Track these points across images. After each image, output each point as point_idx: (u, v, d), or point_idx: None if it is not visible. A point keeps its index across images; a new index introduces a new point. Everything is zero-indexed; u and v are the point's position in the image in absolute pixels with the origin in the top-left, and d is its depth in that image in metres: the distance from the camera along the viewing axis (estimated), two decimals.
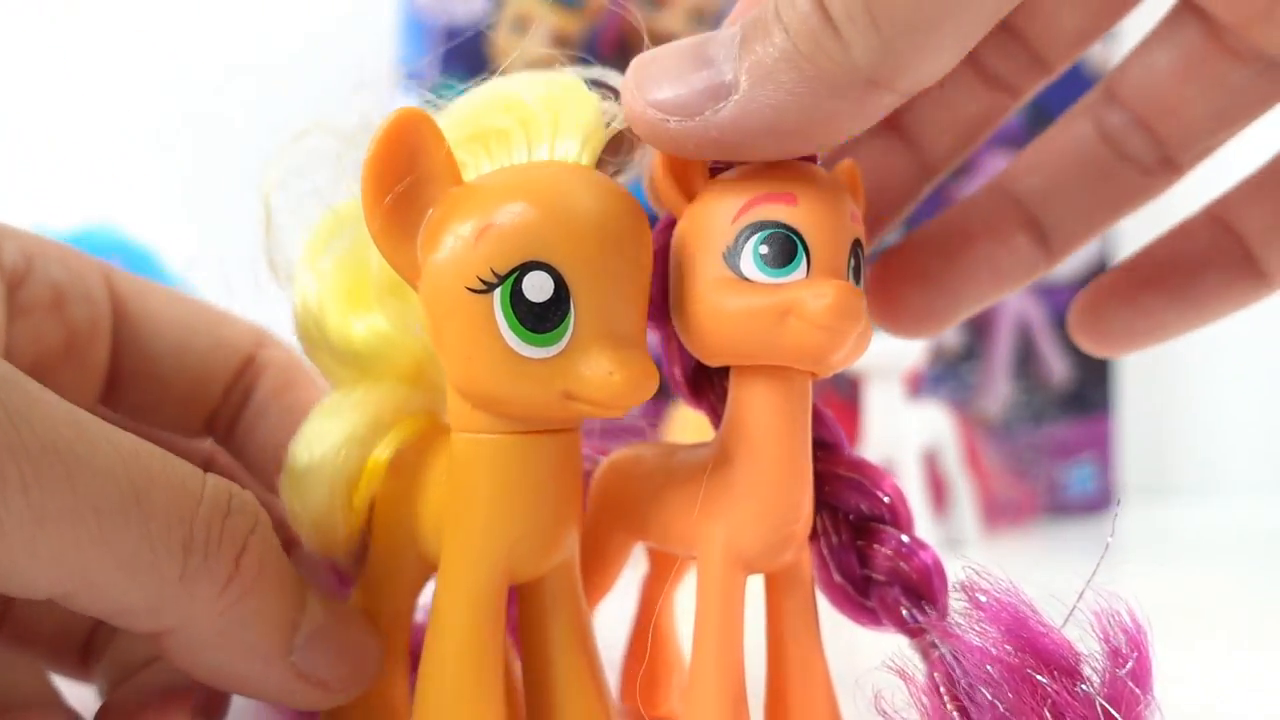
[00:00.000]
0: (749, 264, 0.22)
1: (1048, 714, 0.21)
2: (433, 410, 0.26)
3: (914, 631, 0.24)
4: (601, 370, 0.21)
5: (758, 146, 0.21)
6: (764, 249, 0.22)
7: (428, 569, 0.25)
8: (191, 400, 0.30)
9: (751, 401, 0.23)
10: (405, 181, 0.21)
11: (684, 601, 0.30)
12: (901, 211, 0.29)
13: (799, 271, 0.22)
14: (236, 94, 0.71)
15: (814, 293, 0.21)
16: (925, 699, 0.23)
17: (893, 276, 0.29)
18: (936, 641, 0.23)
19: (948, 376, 0.69)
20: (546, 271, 0.21)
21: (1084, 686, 0.22)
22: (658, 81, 0.21)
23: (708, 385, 0.26)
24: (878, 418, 0.57)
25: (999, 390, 0.70)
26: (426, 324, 0.22)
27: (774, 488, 0.23)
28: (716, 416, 0.25)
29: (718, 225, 0.22)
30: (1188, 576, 0.51)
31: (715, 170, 0.23)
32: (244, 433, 0.30)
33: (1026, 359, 0.70)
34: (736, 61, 0.20)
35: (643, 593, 0.30)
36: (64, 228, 0.54)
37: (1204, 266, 0.27)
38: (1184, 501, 0.75)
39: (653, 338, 0.25)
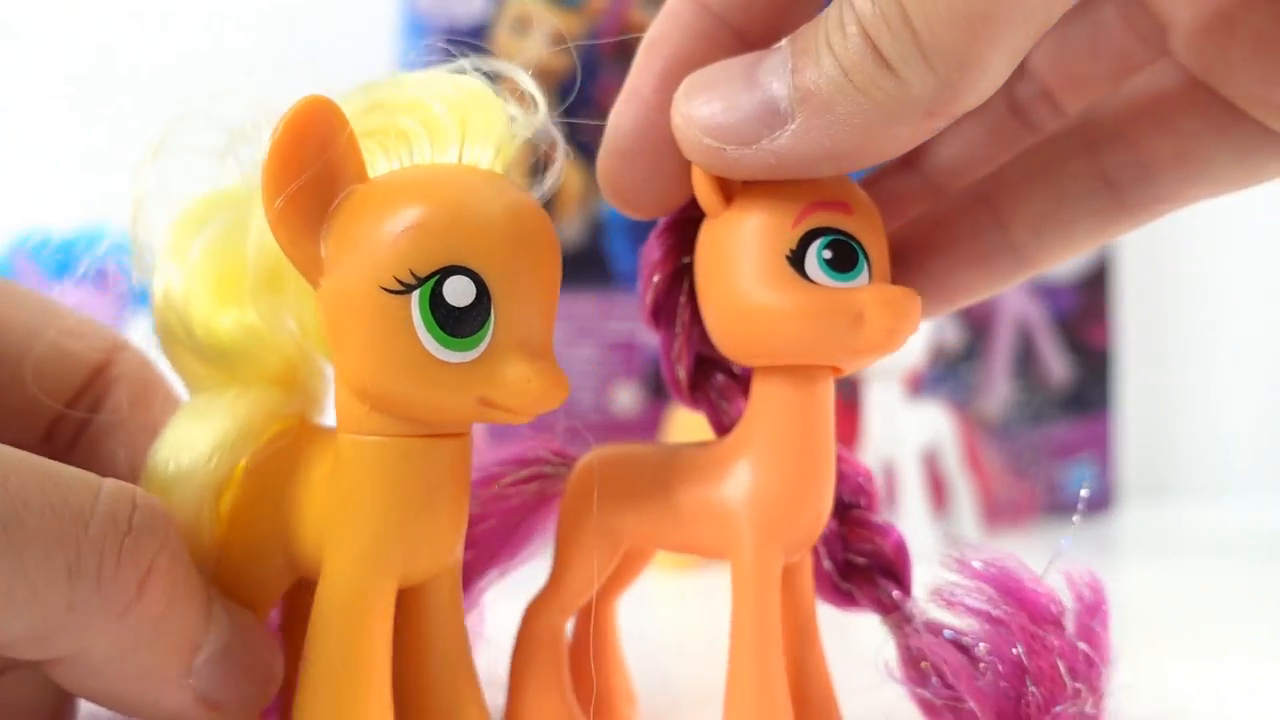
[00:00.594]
0: (814, 267, 0.23)
1: (1059, 663, 0.23)
2: (304, 414, 0.25)
3: (889, 608, 0.25)
4: (520, 377, 0.21)
5: (813, 169, 0.22)
6: (828, 253, 0.23)
7: (291, 575, 0.24)
8: (26, 412, 0.26)
9: (783, 400, 0.24)
10: (310, 172, 0.21)
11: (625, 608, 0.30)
12: (898, 220, 0.29)
13: (863, 276, 0.23)
14: (236, 93, 0.71)
15: (887, 298, 0.23)
16: (904, 670, 0.25)
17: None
18: (916, 613, 0.25)
19: (948, 376, 0.69)
20: (469, 276, 0.21)
21: (1070, 636, 0.24)
22: (710, 109, 0.22)
23: (707, 386, 0.26)
24: (878, 418, 0.57)
25: (999, 390, 0.70)
26: (325, 321, 0.22)
27: (810, 478, 0.24)
28: (717, 416, 0.26)
29: (776, 228, 0.23)
30: (1188, 577, 0.51)
31: None
32: (86, 449, 0.27)
33: (1026, 359, 0.70)
34: (790, 89, 0.21)
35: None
36: (64, 227, 0.54)
37: (966, 255, 0.27)
38: (1184, 502, 0.75)
39: (654, 338, 0.26)
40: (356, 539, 0.22)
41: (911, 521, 0.55)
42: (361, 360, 0.21)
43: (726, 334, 0.24)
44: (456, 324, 0.21)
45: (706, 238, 0.24)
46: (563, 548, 0.26)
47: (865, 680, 0.25)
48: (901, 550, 0.26)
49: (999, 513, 0.62)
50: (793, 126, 0.21)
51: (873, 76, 0.20)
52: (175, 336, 0.24)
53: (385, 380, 0.21)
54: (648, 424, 0.61)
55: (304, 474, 0.23)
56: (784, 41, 0.22)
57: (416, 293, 0.20)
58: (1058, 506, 0.70)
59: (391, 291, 0.20)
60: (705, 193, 0.24)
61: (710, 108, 0.22)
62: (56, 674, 0.20)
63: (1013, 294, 0.70)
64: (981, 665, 0.24)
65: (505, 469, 0.28)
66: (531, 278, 0.22)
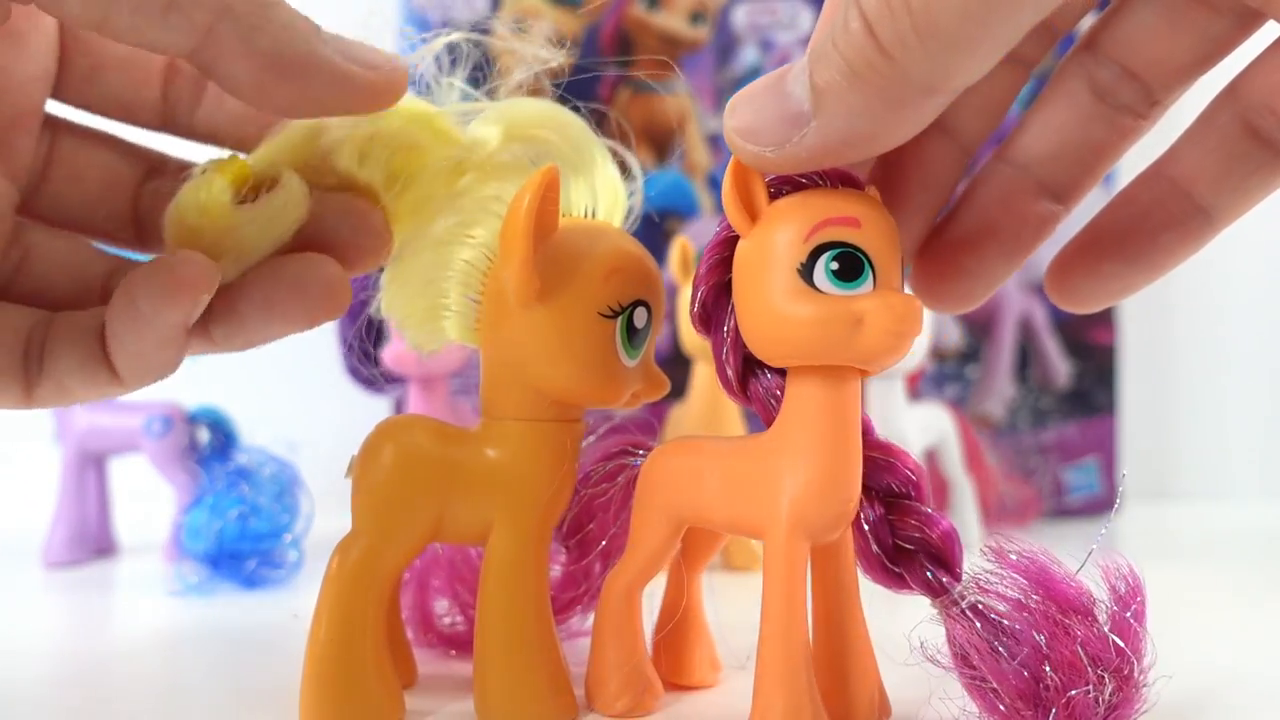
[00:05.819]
0: (822, 277, 0.26)
1: (1080, 649, 0.26)
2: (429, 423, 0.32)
3: (937, 592, 0.28)
4: (658, 376, 0.32)
5: (840, 158, 0.25)
6: (835, 265, 0.26)
7: (432, 535, 0.31)
8: (143, 84, 0.31)
9: (812, 397, 0.27)
10: (546, 228, 0.29)
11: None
12: (951, 191, 0.31)
13: (866, 285, 0.26)
14: None
15: (885, 303, 0.25)
16: (951, 648, 0.27)
17: (929, 264, 0.31)
18: (963, 596, 0.27)
19: (949, 377, 0.69)
20: (646, 307, 0.30)
21: (1099, 626, 0.26)
22: (749, 123, 0.25)
23: (757, 384, 0.29)
24: (879, 418, 0.57)
25: (1001, 391, 0.70)
26: (535, 334, 0.29)
27: (835, 470, 0.27)
28: (766, 411, 0.28)
29: (789, 242, 0.26)
30: (1189, 578, 0.51)
31: (775, 194, 0.27)
32: (210, 110, 0.32)
33: (1028, 360, 0.70)
34: (809, 92, 0.24)
35: (672, 572, 0.33)
36: None
37: (1158, 227, 0.29)
38: (1186, 504, 0.75)
39: (706, 342, 0.30)
40: (541, 497, 0.30)
41: None
42: (570, 363, 0.29)
43: (755, 339, 0.27)
44: (637, 339, 0.30)
45: (739, 254, 0.27)
46: (635, 525, 0.31)
47: (912, 657, 0.28)
48: (950, 539, 0.28)
49: (1001, 514, 0.62)
50: (814, 124, 0.24)
51: (873, 64, 0.23)
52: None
53: (584, 379, 0.30)
54: (648, 424, 0.61)
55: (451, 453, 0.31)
56: (806, 51, 0.24)
57: (620, 318, 0.30)
58: (1060, 508, 0.70)
59: (605, 316, 0.29)
60: (733, 213, 0.27)
61: (746, 119, 0.25)
62: (221, 46, 0.25)
63: (1014, 294, 0.69)
64: (1004, 649, 0.26)
65: (594, 467, 0.34)
66: (662, 304, 0.31)
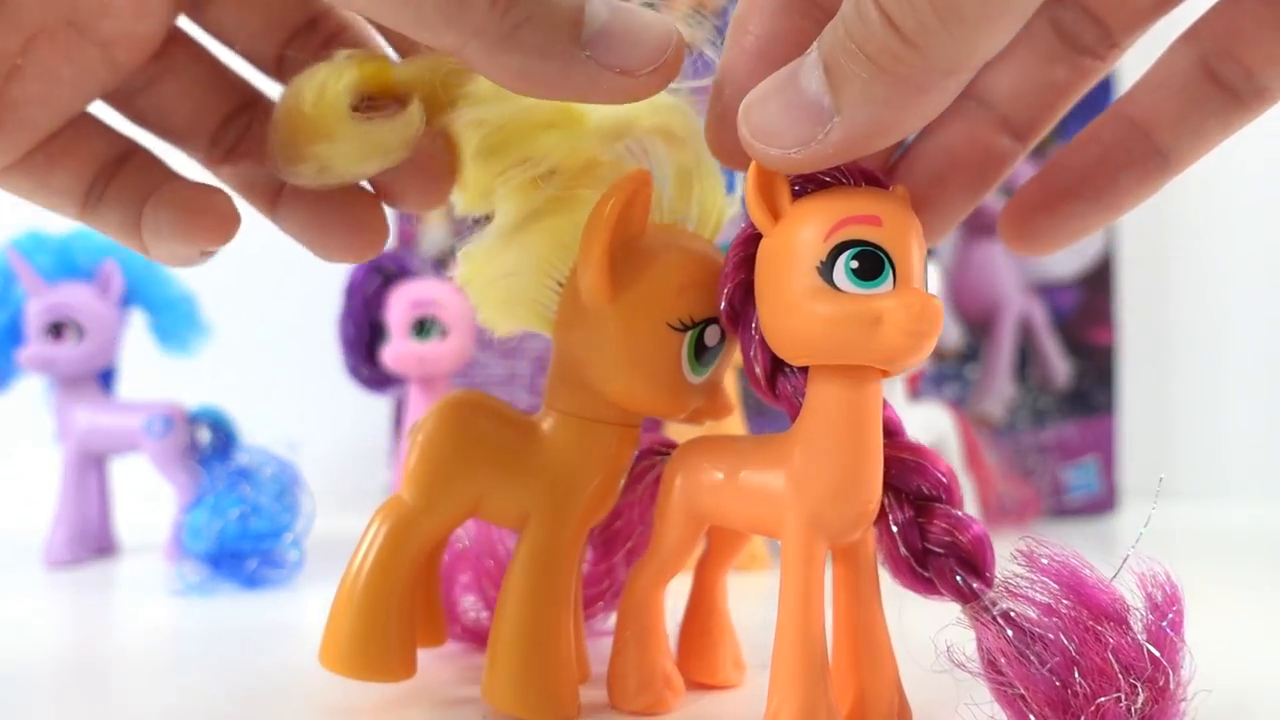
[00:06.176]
0: (841, 276, 0.25)
1: (1111, 657, 0.25)
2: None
3: (968, 597, 0.27)
4: (724, 397, 0.31)
5: (865, 149, 0.24)
6: (855, 263, 0.25)
7: (471, 512, 0.31)
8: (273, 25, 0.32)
9: (833, 397, 0.27)
10: (631, 228, 0.28)
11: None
12: (999, 178, 0.32)
13: (886, 284, 0.25)
14: None
15: (904, 302, 0.25)
16: (980, 654, 0.27)
17: (1026, 206, 0.32)
18: (994, 602, 0.27)
19: (949, 376, 0.69)
20: (718, 326, 0.29)
21: (1134, 635, 0.26)
22: (765, 122, 0.25)
23: (785, 383, 0.28)
24: None
25: (1001, 391, 0.70)
26: (605, 335, 0.29)
27: (854, 471, 0.27)
28: (794, 409, 0.28)
29: (810, 241, 0.26)
30: (1190, 579, 0.51)
31: (799, 192, 0.27)
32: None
33: (1028, 359, 0.70)
34: (828, 87, 0.23)
35: (698, 571, 0.33)
36: (60, 227, 0.54)
37: (1118, 166, 0.30)
38: (1186, 504, 0.75)
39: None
40: (582, 495, 0.30)
41: None
42: (632, 370, 0.29)
43: (775, 337, 0.27)
44: (706, 357, 0.30)
45: (760, 252, 0.27)
46: (658, 523, 0.31)
47: (937, 662, 0.27)
48: (981, 543, 0.27)
49: (1001, 514, 0.62)
50: (838, 119, 0.24)
51: (896, 53, 0.22)
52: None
53: (644, 388, 0.29)
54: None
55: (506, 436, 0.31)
56: (814, 44, 0.24)
57: (690, 332, 0.29)
58: (1060, 508, 0.70)
59: (675, 329, 0.29)
60: (756, 212, 0.27)
61: (765, 121, 0.25)
62: (473, 57, 0.25)
63: (1014, 294, 0.69)
64: (1034, 656, 0.26)
65: None
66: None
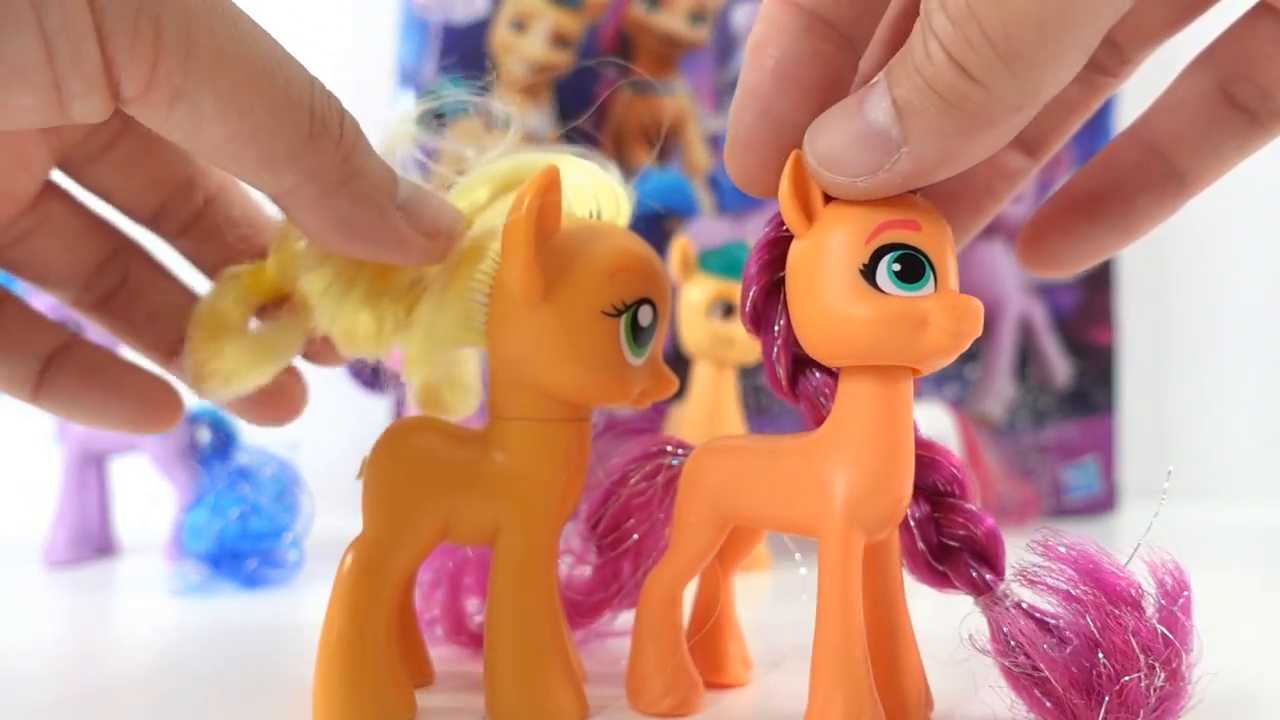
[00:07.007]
0: (885, 279, 0.26)
1: (1132, 639, 0.26)
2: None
3: (981, 590, 0.28)
4: (666, 374, 0.31)
5: (932, 178, 0.25)
6: (898, 266, 0.26)
7: (441, 536, 0.31)
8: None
9: (869, 396, 0.27)
10: (550, 224, 0.29)
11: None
12: (1011, 194, 0.32)
13: (928, 286, 0.26)
14: None
15: (948, 304, 0.25)
16: (997, 643, 0.28)
17: (1043, 229, 0.32)
18: (1007, 593, 0.28)
19: (949, 376, 0.69)
20: (651, 305, 0.30)
21: (1149, 619, 0.27)
22: (833, 152, 0.25)
23: (806, 383, 0.29)
24: None
25: (1000, 390, 0.70)
26: (538, 332, 0.29)
27: (890, 467, 0.27)
28: (815, 410, 0.29)
29: (850, 244, 0.26)
30: (1189, 579, 0.51)
31: (831, 196, 0.27)
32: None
33: (1028, 359, 0.70)
34: (896, 119, 0.24)
35: (706, 572, 0.33)
36: None
37: (1135, 189, 0.30)
38: (1186, 503, 0.75)
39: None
40: (550, 497, 0.30)
41: None
42: (575, 362, 0.29)
43: (812, 339, 0.27)
44: (642, 338, 0.30)
45: (794, 254, 0.27)
46: (677, 525, 0.31)
47: (955, 652, 0.28)
48: (993, 536, 0.28)
49: (1001, 514, 0.62)
50: (906, 149, 0.24)
51: (965, 92, 0.23)
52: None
53: (589, 377, 0.30)
54: (648, 424, 0.61)
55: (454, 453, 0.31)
56: (880, 75, 0.24)
57: (624, 316, 0.29)
58: (1060, 508, 0.70)
59: (609, 315, 0.29)
60: (791, 215, 0.27)
61: (832, 150, 0.25)
62: (303, 202, 0.27)
63: (1014, 294, 0.70)
64: (1057, 639, 0.27)
65: (631, 467, 0.34)
66: (667, 302, 0.31)
